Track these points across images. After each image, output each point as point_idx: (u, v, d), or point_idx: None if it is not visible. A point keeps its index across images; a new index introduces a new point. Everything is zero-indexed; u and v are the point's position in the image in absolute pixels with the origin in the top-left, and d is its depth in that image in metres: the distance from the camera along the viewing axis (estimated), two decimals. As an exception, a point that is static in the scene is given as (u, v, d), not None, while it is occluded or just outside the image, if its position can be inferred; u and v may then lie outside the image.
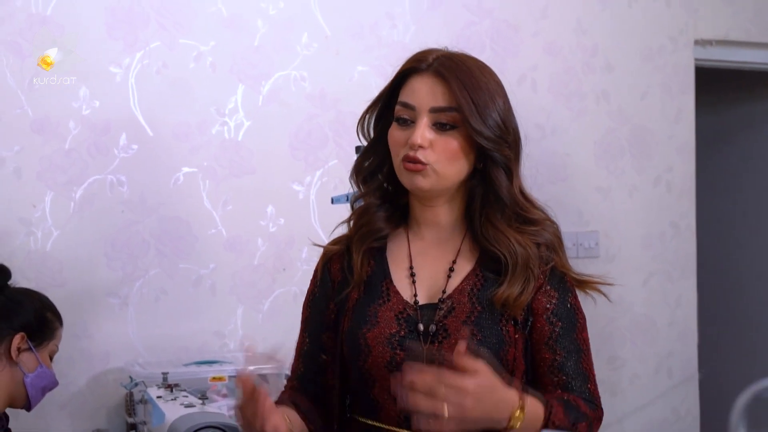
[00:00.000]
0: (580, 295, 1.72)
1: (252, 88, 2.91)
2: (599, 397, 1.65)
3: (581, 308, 1.70)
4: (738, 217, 4.34)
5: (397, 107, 1.63)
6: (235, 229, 2.90)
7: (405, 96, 1.63)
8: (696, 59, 3.55)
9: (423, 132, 1.59)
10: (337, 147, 2.97)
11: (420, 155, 1.59)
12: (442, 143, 1.60)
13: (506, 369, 1.59)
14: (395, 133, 1.63)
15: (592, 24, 3.37)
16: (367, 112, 1.70)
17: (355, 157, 1.78)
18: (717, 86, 4.10)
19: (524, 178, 1.70)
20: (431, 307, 1.65)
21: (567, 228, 3.30)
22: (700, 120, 3.61)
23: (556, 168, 3.34)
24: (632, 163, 3.44)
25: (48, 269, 2.69)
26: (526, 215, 1.66)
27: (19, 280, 2.54)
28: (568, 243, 3.25)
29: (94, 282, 2.75)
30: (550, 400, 1.55)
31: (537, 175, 3.27)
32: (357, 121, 1.72)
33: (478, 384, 1.39)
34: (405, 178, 1.63)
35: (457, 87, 1.58)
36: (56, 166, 2.71)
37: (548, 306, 1.64)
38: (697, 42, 3.54)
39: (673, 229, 3.51)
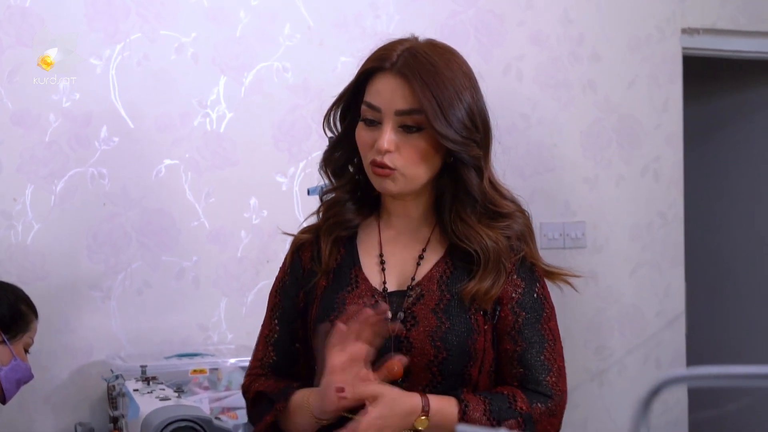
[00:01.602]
0: (554, 288, 1.72)
1: (234, 79, 2.90)
2: (560, 389, 1.64)
3: (549, 298, 1.69)
4: (726, 206, 4.33)
5: (363, 107, 1.62)
6: (218, 221, 2.89)
7: (370, 96, 1.61)
8: (684, 48, 3.54)
9: (389, 136, 1.58)
10: (321, 138, 2.92)
11: (387, 160, 1.58)
12: (408, 146, 1.59)
13: (475, 357, 1.61)
14: (362, 134, 1.62)
15: (578, 13, 3.35)
16: (332, 108, 1.69)
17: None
18: (705, 75, 4.09)
19: (495, 170, 1.68)
20: (400, 294, 1.65)
21: (554, 218, 3.32)
22: (688, 109, 3.59)
23: (542, 158, 3.32)
24: (619, 153, 3.43)
25: (29, 263, 2.68)
26: (496, 209, 1.65)
27: (-1, 273, 2.54)
28: (554, 233, 3.30)
29: (75, 275, 2.74)
30: (472, 397, 1.57)
31: (523, 165, 3.26)
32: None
33: (378, 413, 1.49)
34: (374, 181, 1.63)
35: (420, 89, 1.56)
36: (37, 159, 2.70)
37: (513, 295, 1.64)
38: (684, 31, 3.53)
39: (661, 219, 3.50)
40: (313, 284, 1.70)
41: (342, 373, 1.50)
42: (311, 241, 1.74)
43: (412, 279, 1.66)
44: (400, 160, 1.59)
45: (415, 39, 1.65)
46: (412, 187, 1.63)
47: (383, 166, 1.59)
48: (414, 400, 1.54)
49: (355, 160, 1.69)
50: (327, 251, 1.69)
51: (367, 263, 1.69)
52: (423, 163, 1.61)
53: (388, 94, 1.59)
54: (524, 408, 1.58)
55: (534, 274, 1.68)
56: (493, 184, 1.67)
